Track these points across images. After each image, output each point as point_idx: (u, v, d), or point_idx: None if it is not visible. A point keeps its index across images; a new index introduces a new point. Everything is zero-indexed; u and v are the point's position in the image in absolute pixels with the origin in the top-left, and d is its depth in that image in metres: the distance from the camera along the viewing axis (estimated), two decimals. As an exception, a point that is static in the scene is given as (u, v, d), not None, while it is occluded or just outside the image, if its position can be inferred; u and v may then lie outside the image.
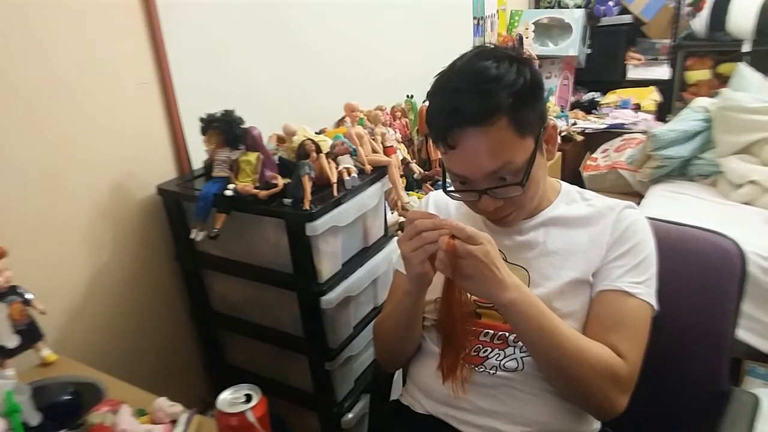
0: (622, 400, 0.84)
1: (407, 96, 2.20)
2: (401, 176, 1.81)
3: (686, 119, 2.42)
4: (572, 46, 3.37)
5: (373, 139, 1.58)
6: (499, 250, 0.94)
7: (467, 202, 0.93)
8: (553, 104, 3.31)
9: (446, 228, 0.79)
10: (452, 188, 0.92)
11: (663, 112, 3.26)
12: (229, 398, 0.76)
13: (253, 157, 1.24)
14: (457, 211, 1.04)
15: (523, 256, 0.94)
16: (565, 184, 1.02)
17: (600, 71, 3.55)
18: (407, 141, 2.14)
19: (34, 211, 1.16)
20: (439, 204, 1.07)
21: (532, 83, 0.84)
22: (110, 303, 1.34)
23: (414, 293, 0.91)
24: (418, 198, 1.90)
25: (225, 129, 1.25)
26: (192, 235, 1.26)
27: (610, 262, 0.89)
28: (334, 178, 1.26)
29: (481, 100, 0.80)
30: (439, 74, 0.89)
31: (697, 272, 1.02)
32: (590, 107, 3.49)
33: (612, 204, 0.95)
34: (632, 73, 3.57)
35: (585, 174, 2.97)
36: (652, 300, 0.88)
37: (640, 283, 0.87)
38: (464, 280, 0.80)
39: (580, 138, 3.09)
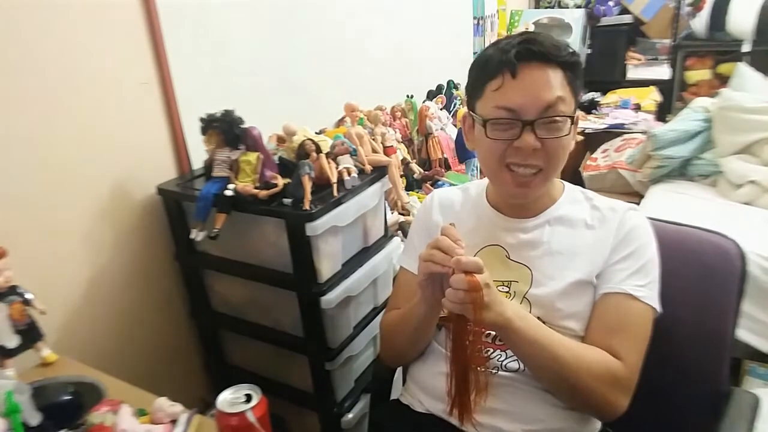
0: (623, 402, 0.84)
1: (407, 96, 2.20)
2: (401, 176, 1.81)
3: (686, 119, 2.42)
4: (572, 46, 3.37)
5: (373, 139, 1.58)
6: (502, 247, 0.95)
7: (499, 144, 0.88)
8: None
9: (454, 261, 0.78)
10: (489, 137, 0.89)
11: (663, 112, 3.26)
12: (229, 398, 0.76)
13: (253, 157, 1.24)
14: (462, 208, 1.04)
15: (527, 255, 0.94)
16: (568, 184, 1.02)
17: (600, 71, 3.55)
18: (407, 141, 2.14)
19: (34, 211, 1.16)
20: (444, 203, 1.07)
21: (581, 64, 0.91)
22: (110, 303, 1.34)
23: (422, 301, 0.90)
24: (418, 198, 1.90)
25: (225, 129, 1.25)
26: (192, 235, 1.26)
27: (613, 264, 0.89)
28: (334, 178, 1.26)
29: (550, 45, 0.86)
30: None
31: (697, 272, 1.02)
32: (590, 107, 3.49)
33: (615, 206, 0.95)
34: (632, 73, 3.57)
35: (585, 174, 2.96)
36: (655, 303, 0.88)
37: (644, 286, 0.88)
38: (482, 311, 0.79)
39: (580, 138, 3.09)
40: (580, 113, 3.28)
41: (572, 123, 0.88)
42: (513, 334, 0.82)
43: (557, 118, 0.86)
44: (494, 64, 0.87)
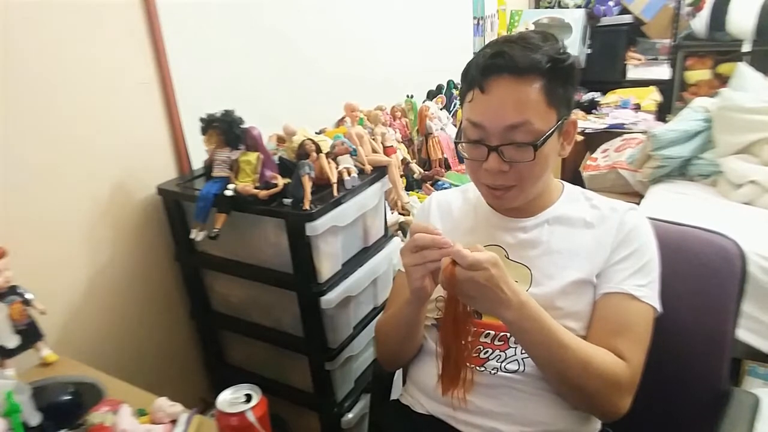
0: (625, 403, 0.84)
1: (407, 96, 2.20)
2: (401, 176, 1.81)
3: (686, 119, 2.42)
4: (572, 46, 3.37)
5: (373, 139, 1.58)
6: (502, 248, 0.95)
7: (473, 162, 0.90)
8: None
9: (447, 250, 0.78)
10: (463, 153, 0.92)
11: (663, 112, 3.27)
12: (229, 398, 0.76)
13: (253, 157, 1.24)
14: (459, 210, 1.04)
15: (526, 254, 0.94)
16: (567, 184, 1.02)
17: (600, 71, 3.55)
18: (407, 141, 2.14)
19: (34, 211, 1.16)
20: (442, 205, 1.07)
21: (570, 66, 0.87)
22: (110, 303, 1.34)
23: (414, 303, 0.90)
24: (419, 198, 1.90)
25: (225, 129, 1.25)
26: (192, 235, 1.26)
27: (614, 264, 0.89)
28: (334, 178, 1.26)
29: (525, 54, 0.83)
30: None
31: (698, 272, 1.02)
32: (590, 107, 3.49)
33: (615, 206, 0.95)
34: (632, 73, 3.57)
35: (585, 174, 2.97)
36: (656, 302, 0.88)
37: (644, 286, 0.87)
38: (466, 298, 0.80)
39: (580, 138, 3.09)
40: (580, 113, 3.27)
41: (535, 150, 0.84)
42: (517, 333, 0.82)
43: (519, 143, 0.84)
44: (470, 76, 0.88)
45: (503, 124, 0.84)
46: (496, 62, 0.83)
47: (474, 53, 0.92)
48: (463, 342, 0.84)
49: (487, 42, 2.97)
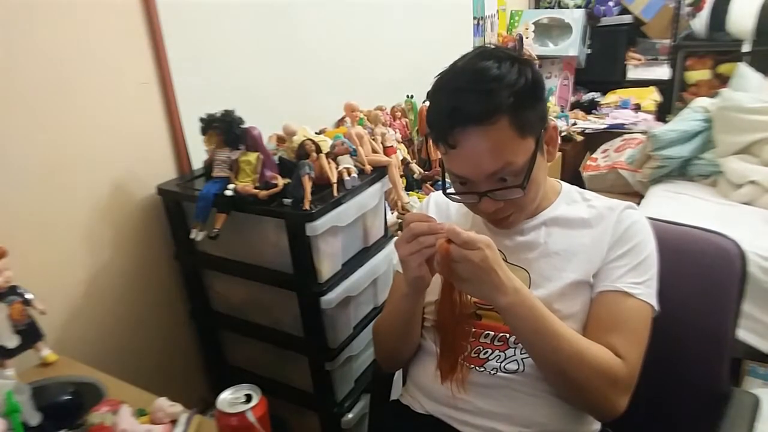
0: (622, 401, 0.84)
1: (407, 96, 2.20)
2: (401, 176, 1.81)
3: (686, 119, 2.43)
4: (572, 46, 3.37)
5: (373, 139, 1.58)
6: (499, 250, 0.95)
7: (467, 203, 0.93)
8: (553, 104, 3.31)
9: (443, 232, 0.78)
10: (452, 190, 0.92)
11: (663, 112, 3.26)
12: (229, 398, 0.76)
13: (253, 157, 1.24)
14: (457, 211, 1.04)
15: (524, 257, 0.94)
16: (565, 185, 1.01)
17: (600, 71, 3.55)
18: (407, 141, 2.14)
19: (34, 211, 1.16)
20: (440, 205, 1.07)
21: (533, 83, 0.84)
22: (110, 303, 1.34)
23: (411, 296, 0.91)
24: (419, 198, 1.90)
25: (225, 129, 1.25)
26: (192, 235, 1.26)
27: (610, 262, 0.89)
28: (334, 178, 1.26)
29: (482, 100, 0.80)
30: (440, 74, 0.89)
31: (697, 272, 1.02)
32: (590, 107, 3.49)
33: (612, 204, 0.94)
34: (632, 73, 3.57)
35: (585, 174, 2.97)
36: (653, 300, 0.88)
37: (640, 284, 0.87)
38: (461, 283, 0.80)
39: (580, 138, 3.09)
40: (580, 113, 3.26)
41: (523, 188, 0.84)
42: (512, 320, 0.82)
43: (506, 187, 0.85)
44: (435, 130, 0.86)
45: (483, 173, 0.84)
46: (455, 119, 0.81)
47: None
48: (458, 328, 0.85)
49: (487, 41, 2.98)
